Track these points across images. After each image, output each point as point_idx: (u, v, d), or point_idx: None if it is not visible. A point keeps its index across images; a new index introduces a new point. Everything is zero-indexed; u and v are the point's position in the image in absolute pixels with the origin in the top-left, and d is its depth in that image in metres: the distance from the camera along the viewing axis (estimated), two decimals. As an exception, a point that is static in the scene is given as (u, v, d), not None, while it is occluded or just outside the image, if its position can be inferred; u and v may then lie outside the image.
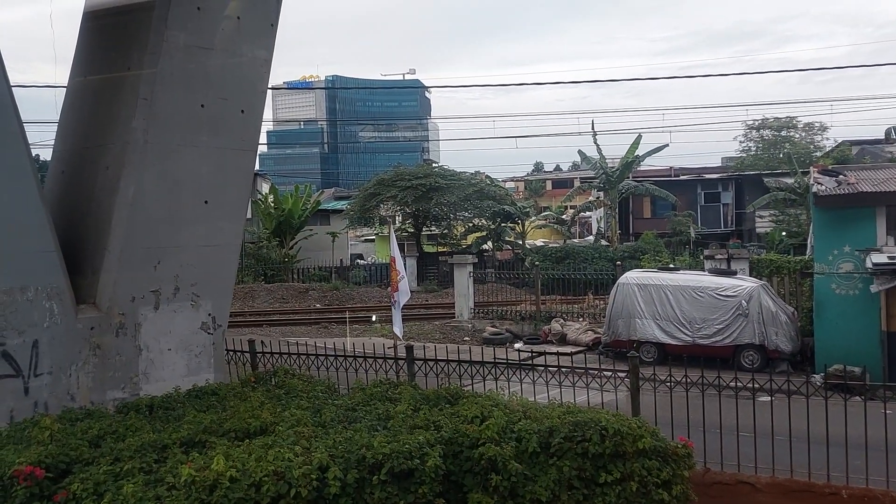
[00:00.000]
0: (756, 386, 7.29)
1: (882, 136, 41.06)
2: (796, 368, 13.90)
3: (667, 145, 61.94)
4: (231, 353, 9.75)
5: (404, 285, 12.62)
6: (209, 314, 8.79)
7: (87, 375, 7.67)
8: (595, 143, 35.59)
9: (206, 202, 8.71)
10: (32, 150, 7.72)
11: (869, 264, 12.81)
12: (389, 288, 13.20)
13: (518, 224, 36.08)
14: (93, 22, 8.88)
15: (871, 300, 13.06)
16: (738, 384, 7.30)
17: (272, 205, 35.49)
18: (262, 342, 10.27)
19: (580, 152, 38.32)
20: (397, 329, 12.64)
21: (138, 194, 8.07)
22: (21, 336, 7.16)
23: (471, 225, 36.80)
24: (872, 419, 6.70)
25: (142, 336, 8.14)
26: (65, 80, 9.09)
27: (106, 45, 8.69)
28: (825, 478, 6.78)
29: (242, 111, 9.00)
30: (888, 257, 12.69)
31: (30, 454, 5.50)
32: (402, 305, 12.66)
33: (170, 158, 8.36)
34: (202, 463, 5.27)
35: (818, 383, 8.96)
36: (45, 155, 25.71)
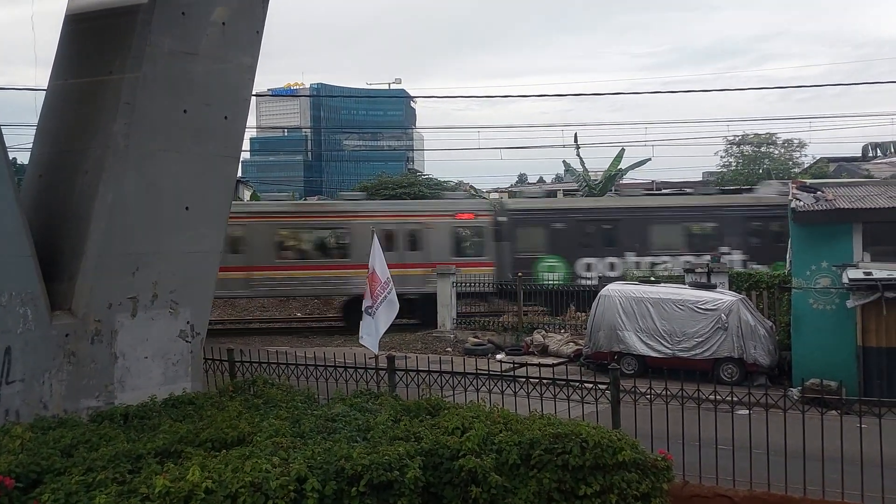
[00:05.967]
0: (735, 399, 7.35)
1: (858, 152, 41.78)
2: (774, 382, 13.99)
3: (649, 159, 62.24)
4: (210, 361, 9.64)
5: (394, 297, 10.89)
6: (188, 322, 8.70)
7: (60, 383, 7.54)
8: (578, 155, 35.85)
9: (187, 208, 8.63)
10: (10, 154, 7.61)
11: (845, 280, 12.97)
12: (365, 291, 11.08)
13: (501, 235, 36.04)
14: (75, 25, 8.81)
15: (847, 315, 13.20)
16: (717, 397, 7.35)
17: (254, 212, 35.17)
18: (241, 351, 10.15)
19: (564, 162, 38.56)
20: (368, 341, 10.85)
21: (118, 200, 7.98)
22: (-6, 342, 7.03)
23: (454, 235, 36.69)
24: (848, 433, 6.76)
25: (118, 343, 8.03)
26: (45, 84, 9.00)
27: (88, 48, 8.62)
28: (801, 491, 6.83)
29: (226, 117, 8.95)
30: (864, 273, 12.86)
31: (0, 463, 5.38)
32: (389, 321, 10.82)
33: (151, 164, 8.29)
34: (177, 474, 5.19)
35: (795, 397, 9.04)
36: (23, 159, 25.46)
